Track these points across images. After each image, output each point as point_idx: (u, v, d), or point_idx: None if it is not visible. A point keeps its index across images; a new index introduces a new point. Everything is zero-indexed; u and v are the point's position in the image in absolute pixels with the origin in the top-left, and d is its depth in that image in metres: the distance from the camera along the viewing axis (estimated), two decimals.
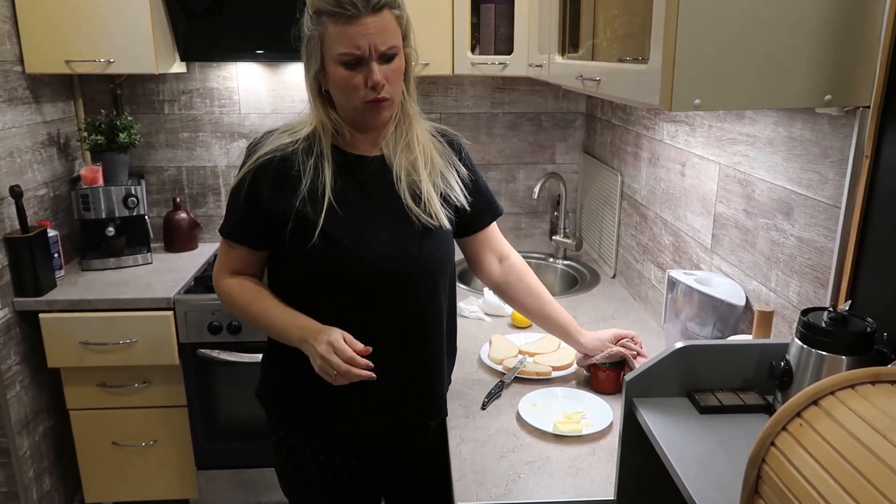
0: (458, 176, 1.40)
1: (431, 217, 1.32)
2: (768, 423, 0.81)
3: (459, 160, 1.43)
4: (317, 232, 1.25)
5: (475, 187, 1.45)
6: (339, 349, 1.20)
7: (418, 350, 1.37)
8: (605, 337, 1.55)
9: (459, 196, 1.38)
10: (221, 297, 1.38)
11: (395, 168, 1.32)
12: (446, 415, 1.48)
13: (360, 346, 1.23)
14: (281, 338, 1.32)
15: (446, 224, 1.34)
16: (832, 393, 0.79)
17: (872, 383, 0.79)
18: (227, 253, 1.37)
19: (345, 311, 1.30)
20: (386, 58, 1.23)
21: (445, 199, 1.36)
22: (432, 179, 1.34)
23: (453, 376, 1.65)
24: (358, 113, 1.28)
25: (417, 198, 1.32)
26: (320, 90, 1.30)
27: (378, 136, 1.35)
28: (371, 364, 1.22)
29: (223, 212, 2.84)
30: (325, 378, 1.23)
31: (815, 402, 0.79)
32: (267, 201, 1.28)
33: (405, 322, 1.34)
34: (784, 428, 0.80)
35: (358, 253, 1.28)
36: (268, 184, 1.29)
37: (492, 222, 1.51)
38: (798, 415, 0.79)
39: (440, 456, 1.53)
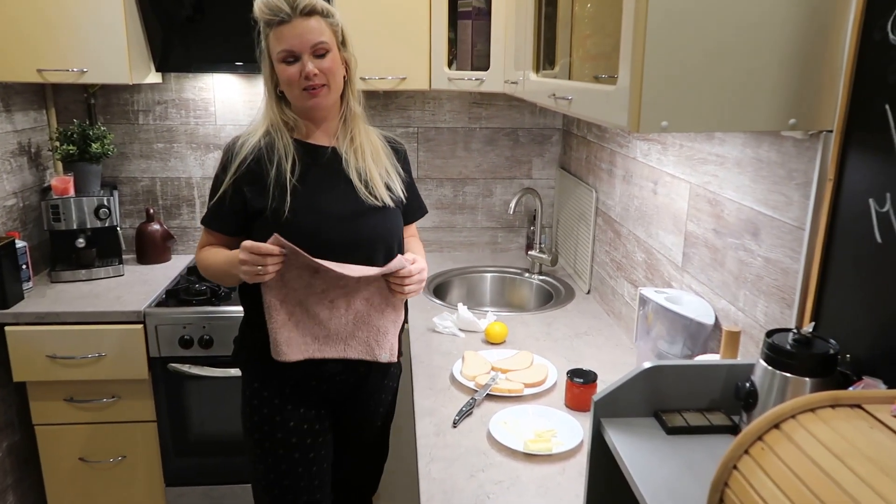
0: (399, 175, 1.66)
1: (375, 197, 1.56)
2: (731, 447, 0.81)
3: (402, 166, 1.69)
4: (286, 210, 1.49)
5: (412, 189, 1.73)
6: (249, 247, 1.41)
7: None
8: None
9: (398, 191, 1.63)
10: (198, 263, 1.63)
11: (344, 155, 1.58)
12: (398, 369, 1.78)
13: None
14: (231, 275, 1.50)
15: (389, 202, 1.58)
16: (793, 416, 0.79)
17: (832, 406, 0.79)
18: (206, 237, 1.63)
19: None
20: (318, 54, 1.47)
21: (389, 188, 1.60)
22: (377, 170, 1.59)
23: (425, 392, 1.65)
24: (301, 101, 1.51)
25: (364, 181, 1.57)
26: (276, 91, 1.54)
27: (330, 128, 1.60)
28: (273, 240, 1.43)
29: (197, 223, 2.81)
30: (255, 279, 1.43)
31: (777, 426, 0.79)
32: (249, 201, 1.52)
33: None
34: (746, 451, 0.80)
35: (320, 223, 1.52)
36: (248, 186, 1.53)
37: (418, 219, 1.79)
38: (760, 438, 0.80)
39: (384, 410, 1.77)
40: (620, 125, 1.06)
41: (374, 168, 1.59)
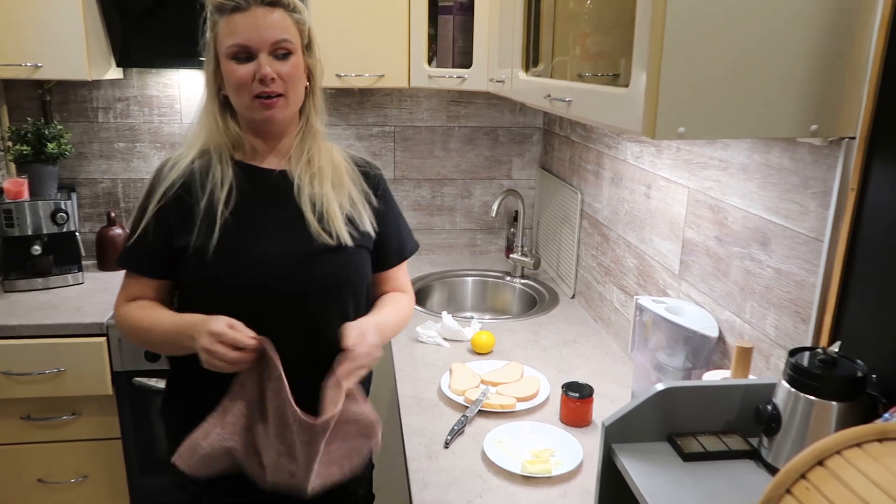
0: (370, 206, 1.37)
1: (331, 235, 1.27)
2: (771, 485, 0.74)
3: (375, 194, 1.39)
4: (211, 251, 1.22)
5: (390, 223, 1.42)
6: (221, 334, 1.11)
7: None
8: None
9: (366, 224, 1.34)
10: (119, 324, 1.30)
11: (297, 180, 1.30)
12: None
13: (249, 332, 1.13)
14: (177, 346, 1.21)
15: (347, 240, 1.29)
16: (838, 452, 0.73)
17: (880, 441, 0.73)
18: (126, 283, 1.32)
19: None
20: (278, 54, 1.22)
21: (351, 222, 1.32)
22: (338, 199, 1.31)
23: (413, 409, 1.56)
24: (251, 112, 1.25)
25: (319, 213, 1.29)
26: (219, 96, 1.27)
27: (283, 147, 1.33)
28: (260, 339, 1.13)
29: None
30: (215, 368, 1.12)
31: (821, 463, 0.73)
32: (175, 235, 1.26)
33: (312, 343, 1.26)
34: (788, 490, 0.73)
35: (250, 269, 1.24)
36: (174, 218, 1.26)
37: (398, 264, 1.46)
38: (803, 476, 0.73)
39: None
40: (633, 130, 0.99)
41: (332, 196, 1.30)
